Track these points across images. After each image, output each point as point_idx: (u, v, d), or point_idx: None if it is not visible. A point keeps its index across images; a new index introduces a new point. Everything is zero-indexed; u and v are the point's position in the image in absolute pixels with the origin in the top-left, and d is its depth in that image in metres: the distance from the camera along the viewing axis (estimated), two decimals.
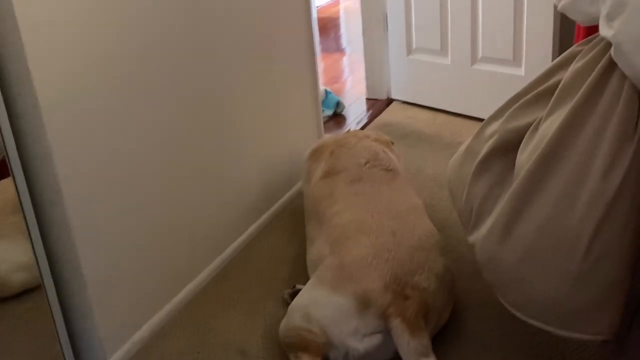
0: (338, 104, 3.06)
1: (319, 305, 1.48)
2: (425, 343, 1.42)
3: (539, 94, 1.38)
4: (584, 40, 1.33)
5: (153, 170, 1.69)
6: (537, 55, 2.53)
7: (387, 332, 1.45)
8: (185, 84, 1.77)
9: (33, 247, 1.44)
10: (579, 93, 1.21)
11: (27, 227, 1.42)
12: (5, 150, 1.36)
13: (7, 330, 1.54)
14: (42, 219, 1.45)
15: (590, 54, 1.25)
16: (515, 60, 2.63)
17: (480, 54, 2.75)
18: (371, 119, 2.97)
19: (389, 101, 3.13)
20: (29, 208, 1.42)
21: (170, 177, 1.75)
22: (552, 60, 1.44)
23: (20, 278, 1.51)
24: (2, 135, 1.34)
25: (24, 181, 1.40)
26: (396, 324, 1.42)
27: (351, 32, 4.41)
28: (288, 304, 1.61)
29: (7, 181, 1.39)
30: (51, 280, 1.48)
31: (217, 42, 1.88)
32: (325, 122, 2.84)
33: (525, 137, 1.34)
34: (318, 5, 4.87)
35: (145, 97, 1.63)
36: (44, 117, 1.36)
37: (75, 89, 1.44)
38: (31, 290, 1.49)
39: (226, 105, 1.96)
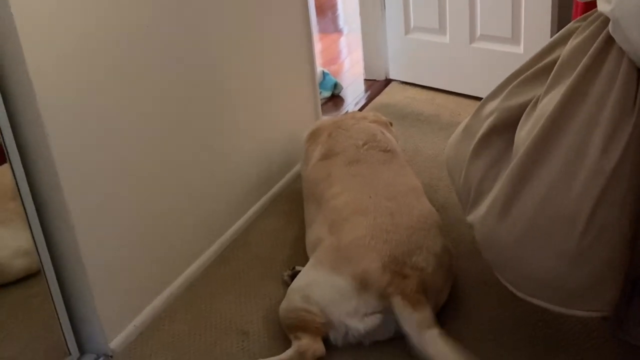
0: (336, 86, 3.05)
1: (318, 286, 1.49)
2: (428, 315, 1.43)
3: (537, 71, 1.37)
4: (582, 16, 1.32)
5: (152, 155, 1.68)
6: (535, 33, 2.51)
7: (386, 312, 1.45)
8: (181, 69, 1.76)
9: (32, 233, 1.44)
10: (577, 69, 1.20)
11: (26, 213, 1.42)
12: (2, 136, 1.36)
13: (8, 316, 1.55)
14: (40, 204, 1.45)
15: (588, 30, 1.24)
16: (514, 38, 2.61)
17: (478, 32, 2.73)
18: (369, 100, 2.96)
19: (387, 82, 3.12)
20: (27, 194, 1.42)
21: (169, 161, 1.75)
22: (551, 37, 1.43)
23: (21, 264, 1.51)
24: None
25: (22, 167, 1.40)
26: (397, 301, 1.43)
27: (348, 12, 4.38)
28: (288, 286, 1.62)
29: (5, 167, 1.39)
30: (51, 265, 1.48)
31: (212, 23, 1.87)
32: (323, 104, 2.83)
33: (524, 114, 1.33)
34: None
35: (141, 82, 1.62)
36: (39, 102, 1.35)
37: (70, 73, 1.43)
38: (32, 275, 1.50)
39: (223, 87, 1.94)
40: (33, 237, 1.44)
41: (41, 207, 1.45)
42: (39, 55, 1.34)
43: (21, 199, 1.41)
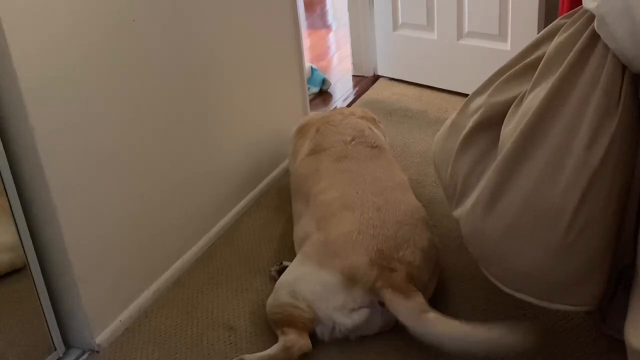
0: (324, 81, 3.05)
1: (306, 281, 1.49)
2: (421, 300, 1.43)
3: (523, 67, 1.38)
4: (568, 13, 1.33)
5: (139, 149, 1.68)
6: (522, 30, 2.53)
7: (373, 307, 1.46)
8: (169, 64, 1.75)
9: (17, 228, 1.43)
10: (563, 66, 1.21)
11: (11, 208, 1.41)
12: None
13: None
14: (26, 199, 1.44)
15: (574, 27, 1.25)
16: (501, 35, 2.63)
17: (466, 29, 2.74)
18: (357, 96, 2.96)
19: (375, 78, 3.12)
20: (12, 188, 1.41)
21: (156, 156, 1.74)
22: (538, 34, 1.44)
23: (6, 259, 1.50)
24: None
25: (7, 161, 1.39)
26: (387, 294, 1.43)
27: (337, 7, 4.37)
28: (275, 281, 1.62)
29: None
30: (36, 260, 1.48)
31: (200, 18, 1.86)
32: (311, 100, 2.82)
33: (510, 110, 1.34)
34: None
35: (129, 76, 1.61)
36: (24, 95, 1.34)
37: (57, 66, 1.41)
38: (17, 271, 1.48)
39: (211, 83, 1.94)
40: (18, 232, 1.43)
41: (27, 202, 1.44)
42: (24, 47, 1.33)
43: (6, 193, 1.40)
